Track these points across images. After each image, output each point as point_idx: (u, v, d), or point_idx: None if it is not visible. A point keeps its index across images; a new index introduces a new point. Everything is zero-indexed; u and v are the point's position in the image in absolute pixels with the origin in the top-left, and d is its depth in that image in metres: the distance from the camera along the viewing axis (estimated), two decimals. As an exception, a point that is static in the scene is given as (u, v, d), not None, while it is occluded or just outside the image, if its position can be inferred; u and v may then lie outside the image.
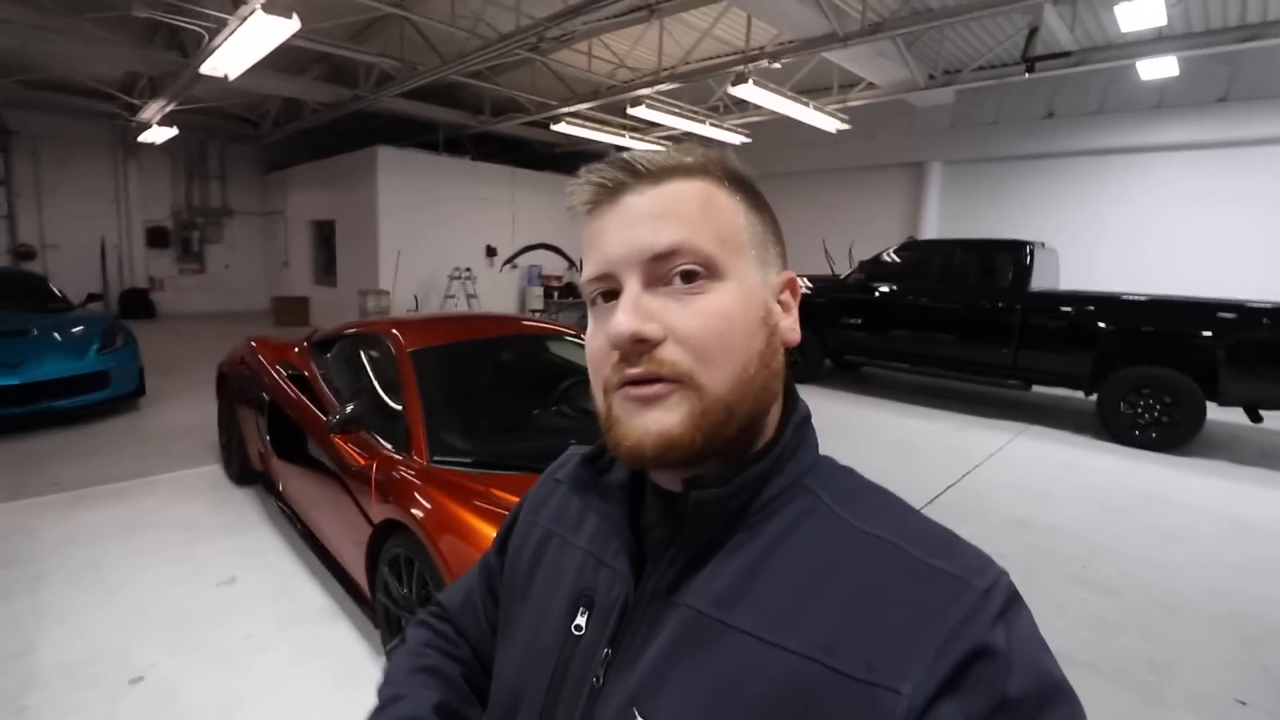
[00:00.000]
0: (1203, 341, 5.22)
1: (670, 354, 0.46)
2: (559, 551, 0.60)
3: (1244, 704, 2.27)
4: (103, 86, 9.53)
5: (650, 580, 0.51)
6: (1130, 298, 5.86)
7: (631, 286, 0.47)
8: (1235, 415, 5.76)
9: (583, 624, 0.54)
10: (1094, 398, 5.82)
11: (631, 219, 0.48)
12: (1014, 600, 0.42)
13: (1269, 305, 5.11)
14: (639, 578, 0.52)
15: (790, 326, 0.52)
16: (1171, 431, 5.33)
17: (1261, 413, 5.37)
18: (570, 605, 0.55)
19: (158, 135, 10.12)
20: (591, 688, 0.51)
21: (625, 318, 0.46)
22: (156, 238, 12.62)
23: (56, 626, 2.47)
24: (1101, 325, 5.70)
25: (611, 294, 0.49)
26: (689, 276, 0.47)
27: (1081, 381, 5.86)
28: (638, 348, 0.46)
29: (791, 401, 0.54)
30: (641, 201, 0.48)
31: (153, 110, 9.09)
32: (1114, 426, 5.59)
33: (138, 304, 12.01)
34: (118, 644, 2.37)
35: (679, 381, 0.46)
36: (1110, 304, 5.82)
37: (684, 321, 0.46)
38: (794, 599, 0.44)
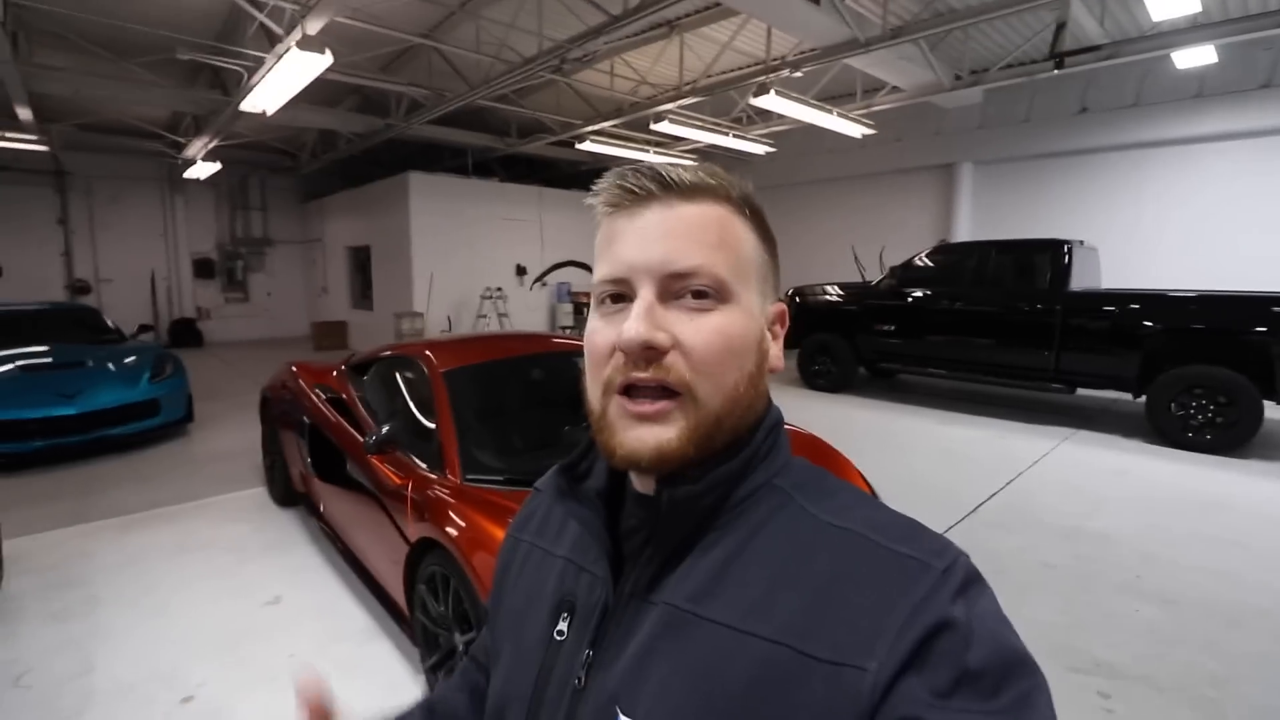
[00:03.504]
0: (1257, 337, 4.99)
1: (676, 362, 0.48)
2: (540, 564, 0.62)
3: (1318, 721, 2.15)
4: (150, 126, 10.03)
5: (628, 581, 0.53)
6: (1176, 294, 5.65)
7: (645, 295, 0.49)
8: (1297, 414, 5.49)
9: (564, 629, 0.55)
10: (1143, 400, 5.61)
11: (656, 231, 0.50)
12: (974, 579, 0.45)
13: (1328, 297, 4.87)
14: (618, 581, 0.53)
15: (777, 354, 0.55)
16: (1228, 433, 5.10)
17: (1326, 410, 5.11)
18: (553, 612, 0.57)
19: (202, 171, 10.58)
20: (574, 689, 0.52)
21: (638, 325, 0.48)
22: (203, 268, 13.16)
23: (113, 647, 2.57)
24: (1147, 324, 5.50)
25: (620, 297, 0.51)
26: (700, 295, 0.49)
27: (1129, 383, 5.65)
28: (646, 354, 0.48)
29: (764, 407, 0.56)
30: (668, 217, 0.50)
31: (197, 147, 9.52)
32: (1166, 429, 5.37)
33: (186, 333, 12.51)
34: (170, 663, 2.46)
35: (679, 393, 0.48)
36: (1156, 302, 5.61)
37: (690, 335, 0.49)
38: (766, 589, 0.46)
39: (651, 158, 10.43)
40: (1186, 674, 2.39)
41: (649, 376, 0.48)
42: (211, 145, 9.37)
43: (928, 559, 0.44)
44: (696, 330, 0.48)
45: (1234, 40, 5.68)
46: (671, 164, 0.52)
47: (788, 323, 0.57)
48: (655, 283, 0.49)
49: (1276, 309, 4.99)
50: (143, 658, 2.49)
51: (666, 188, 0.50)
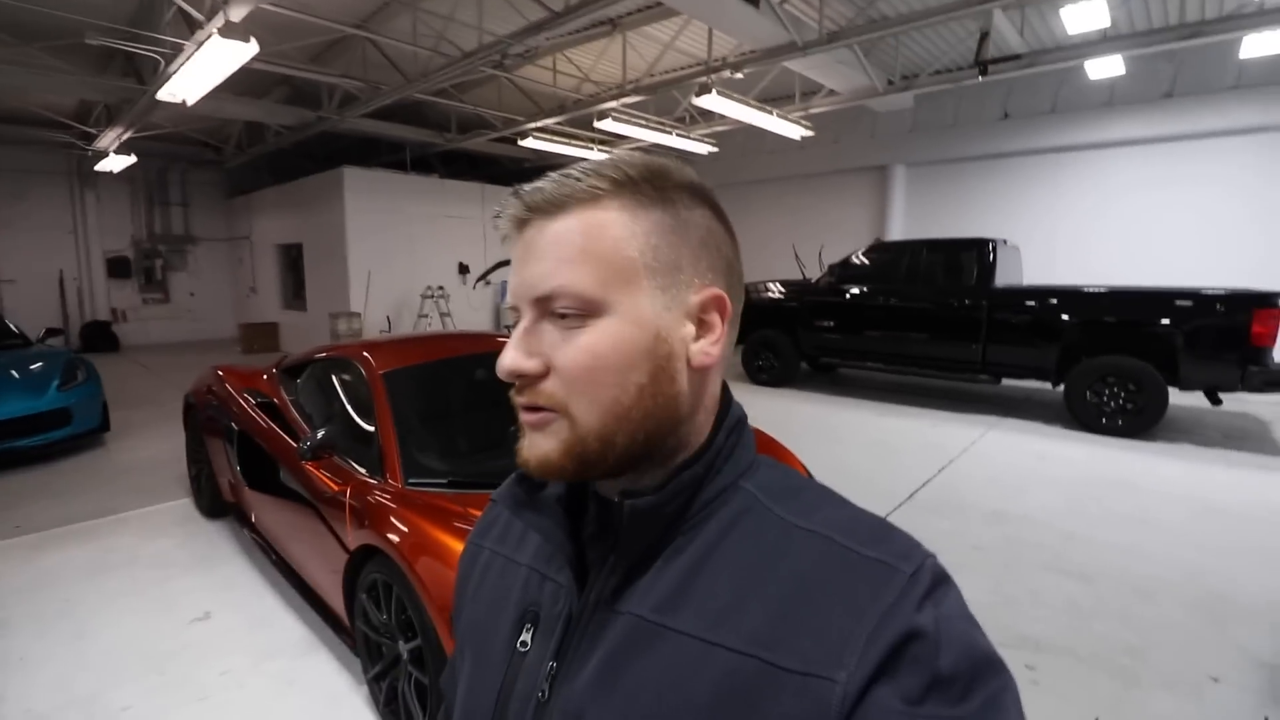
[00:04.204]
0: (1162, 329, 5.39)
1: (550, 387, 0.48)
2: (503, 572, 0.60)
3: (1217, 680, 2.34)
4: (57, 116, 9.32)
5: (593, 590, 0.51)
6: (1091, 290, 6.04)
7: (523, 322, 0.50)
8: (1197, 399, 5.95)
9: (528, 640, 0.54)
10: (1061, 388, 5.97)
11: (526, 256, 0.49)
12: (941, 580, 0.44)
13: (1223, 292, 5.30)
14: (582, 589, 0.52)
15: (703, 349, 0.50)
16: (1137, 418, 5.48)
17: (1221, 395, 5.55)
18: (515, 623, 0.56)
19: (115, 164, 9.91)
20: (537, 702, 0.51)
21: (508, 354, 0.49)
22: (118, 268, 12.33)
23: (24, 674, 2.38)
24: (1065, 318, 5.86)
25: None
26: (565, 315, 0.48)
27: (1048, 373, 6.01)
28: (520, 381, 0.49)
29: (725, 405, 0.55)
30: (535, 239, 0.49)
31: (110, 138, 8.91)
32: (1082, 416, 5.73)
33: (100, 337, 11.69)
34: (90, 689, 2.30)
35: (557, 411, 0.48)
36: (1072, 297, 5.98)
37: (560, 357, 0.48)
38: (732, 597, 0.45)
39: (596, 155, 10.37)
40: (1104, 644, 2.56)
41: (524, 401, 0.49)
42: (126, 136, 8.78)
43: (895, 563, 0.44)
44: (566, 351, 0.48)
45: (1140, 53, 6.10)
46: (552, 177, 0.50)
47: (727, 307, 0.51)
48: (532, 307, 0.49)
49: (1178, 302, 5.40)
50: (59, 684, 2.32)
51: (531, 208, 0.49)
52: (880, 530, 0.47)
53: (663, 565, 0.49)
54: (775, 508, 0.49)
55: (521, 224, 0.50)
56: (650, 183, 0.49)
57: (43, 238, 11.44)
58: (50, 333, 6.30)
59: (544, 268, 0.48)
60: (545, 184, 0.49)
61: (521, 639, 0.54)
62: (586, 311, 0.47)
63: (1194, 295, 5.38)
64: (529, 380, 0.49)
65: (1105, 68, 6.60)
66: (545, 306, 0.49)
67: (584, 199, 0.48)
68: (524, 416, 0.50)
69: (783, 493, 0.51)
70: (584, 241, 0.48)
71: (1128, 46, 6.05)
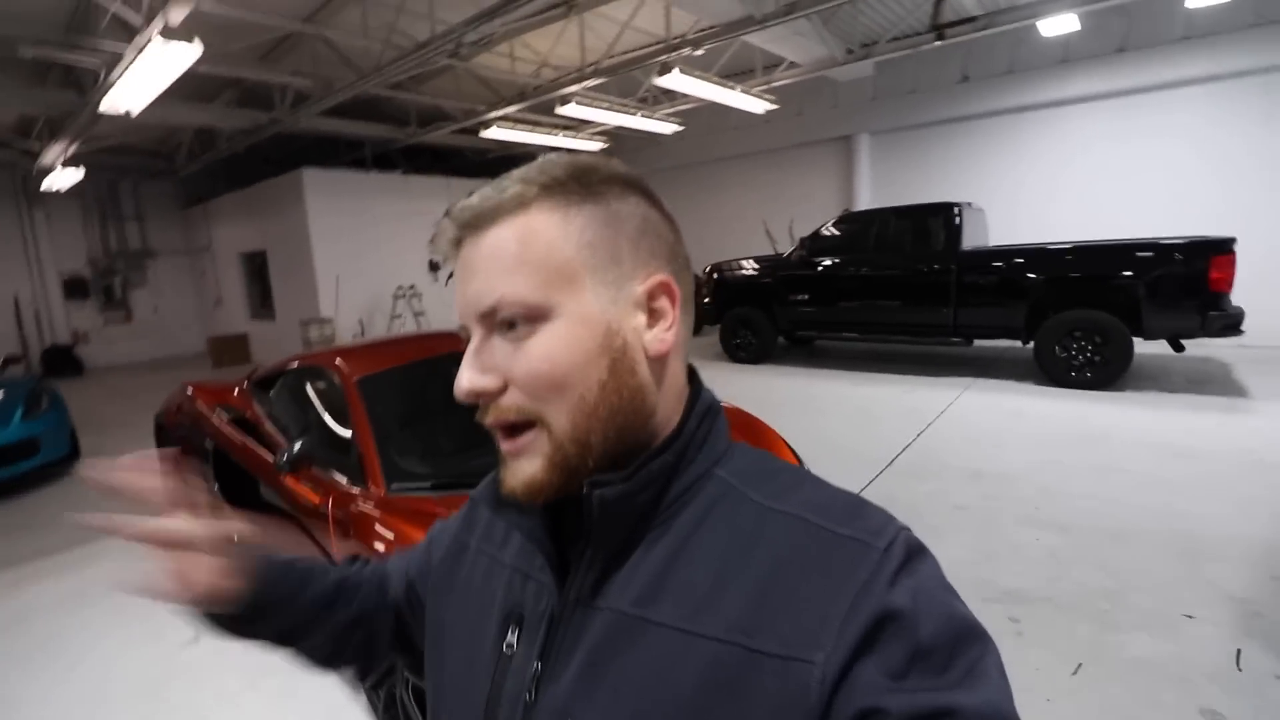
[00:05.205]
0: (1124, 281, 5.51)
1: (513, 400, 0.48)
2: (489, 571, 0.60)
3: (1191, 617, 2.43)
4: (-6, 134, 8.96)
5: (572, 588, 0.51)
6: (1055, 247, 6.14)
7: (474, 340, 0.50)
8: (1161, 348, 6.12)
9: (513, 642, 0.54)
10: (1031, 345, 6.09)
11: (464, 273, 0.50)
12: (915, 552, 0.44)
13: (1181, 240, 5.43)
14: (564, 587, 0.52)
15: (657, 337, 0.50)
16: (1104, 370, 5.62)
17: (1183, 342, 5.71)
18: (501, 624, 0.55)
19: (63, 180, 9.54)
20: (525, 704, 0.50)
21: (464, 375, 0.49)
22: (75, 288, 11.94)
23: (18, 714, 2.34)
24: (1031, 276, 5.96)
25: None
26: (512, 325, 0.48)
27: (1018, 331, 6.12)
28: (480, 400, 0.49)
29: (695, 393, 0.54)
30: (471, 255, 0.49)
31: (54, 153, 8.57)
32: (1052, 371, 5.86)
33: (63, 361, 11.35)
34: (79, 721, 2.27)
35: (532, 424, 0.48)
36: (1037, 255, 6.08)
37: (516, 368, 0.48)
38: (711, 585, 0.45)
39: (561, 142, 10.26)
40: (1082, 591, 2.64)
41: (492, 421, 0.49)
42: (71, 151, 8.44)
43: (868, 539, 0.44)
44: (520, 361, 0.48)
45: (1092, 8, 6.15)
46: (479, 191, 0.50)
47: (675, 292, 0.51)
48: (479, 324, 0.49)
49: (1139, 254, 5.52)
50: (50, 719, 2.29)
51: (461, 226, 0.50)
52: (854, 508, 0.47)
53: (639, 558, 0.49)
54: (750, 492, 0.49)
55: (457, 244, 0.50)
56: (577, 180, 0.49)
57: (-8, 262, 11.03)
58: (9, 361, 6.10)
59: (484, 282, 0.48)
60: (474, 200, 0.49)
61: (508, 641, 0.54)
62: (533, 317, 0.47)
63: (1153, 246, 5.50)
64: (490, 397, 0.49)
65: (1059, 25, 6.64)
66: (492, 320, 0.49)
67: (512, 207, 0.48)
68: (503, 445, 0.50)
69: (758, 477, 0.50)
70: (519, 249, 0.47)
71: (1080, 2, 6.10)
